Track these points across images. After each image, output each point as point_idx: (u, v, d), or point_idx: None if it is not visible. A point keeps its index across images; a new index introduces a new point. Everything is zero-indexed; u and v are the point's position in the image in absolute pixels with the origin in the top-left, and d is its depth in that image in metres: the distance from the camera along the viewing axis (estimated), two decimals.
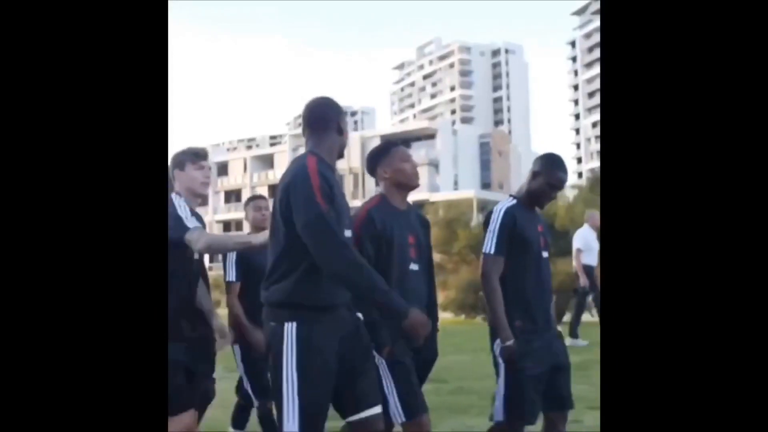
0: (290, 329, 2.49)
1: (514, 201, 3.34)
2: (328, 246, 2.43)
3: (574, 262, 9.46)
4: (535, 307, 3.25)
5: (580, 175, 73.82)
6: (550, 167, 3.32)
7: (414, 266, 3.05)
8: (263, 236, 3.20)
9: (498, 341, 3.18)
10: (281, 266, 2.54)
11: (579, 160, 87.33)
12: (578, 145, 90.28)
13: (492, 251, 3.22)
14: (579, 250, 9.23)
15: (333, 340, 2.53)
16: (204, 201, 3.64)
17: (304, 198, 2.45)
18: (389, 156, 3.16)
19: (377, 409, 2.61)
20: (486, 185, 54.32)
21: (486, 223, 3.32)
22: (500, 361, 3.18)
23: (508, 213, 3.26)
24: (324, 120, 2.69)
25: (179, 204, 3.11)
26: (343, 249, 2.44)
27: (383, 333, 2.84)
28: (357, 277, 2.44)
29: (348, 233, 2.61)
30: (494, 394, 3.24)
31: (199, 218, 3.46)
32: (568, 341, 9.75)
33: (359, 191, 52.46)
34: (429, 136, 54.65)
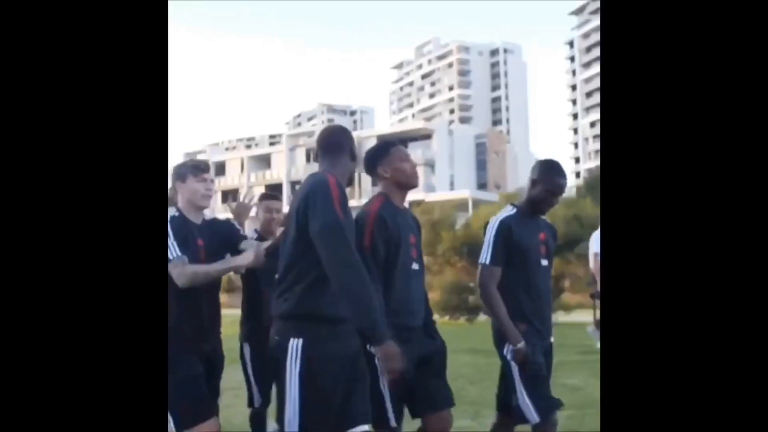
0: (295, 346, 2.52)
1: (513, 210, 3.37)
2: (340, 252, 2.46)
3: (591, 266, 9.40)
4: (531, 315, 3.28)
5: (578, 174, 73.69)
6: (549, 174, 3.34)
7: (415, 266, 3.09)
8: (248, 257, 3.21)
9: (509, 346, 3.21)
10: (289, 275, 2.59)
11: (577, 160, 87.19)
12: (576, 145, 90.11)
13: (488, 261, 3.26)
14: (597, 255, 9.13)
15: (338, 357, 2.56)
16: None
17: (322, 204, 2.52)
18: (388, 156, 3.17)
19: (365, 428, 2.65)
20: (482, 185, 54.33)
21: (485, 233, 3.36)
22: (513, 364, 3.21)
23: (504, 223, 3.30)
24: (339, 145, 2.82)
25: (170, 227, 3.14)
26: (354, 257, 2.48)
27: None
28: (359, 288, 2.45)
29: None
30: (516, 405, 3.25)
31: (210, 226, 3.37)
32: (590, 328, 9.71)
33: (355, 191, 52.46)
34: (425, 136, 54.62)
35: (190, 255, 3.13)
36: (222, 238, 3.37)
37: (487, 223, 3.35)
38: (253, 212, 4.15)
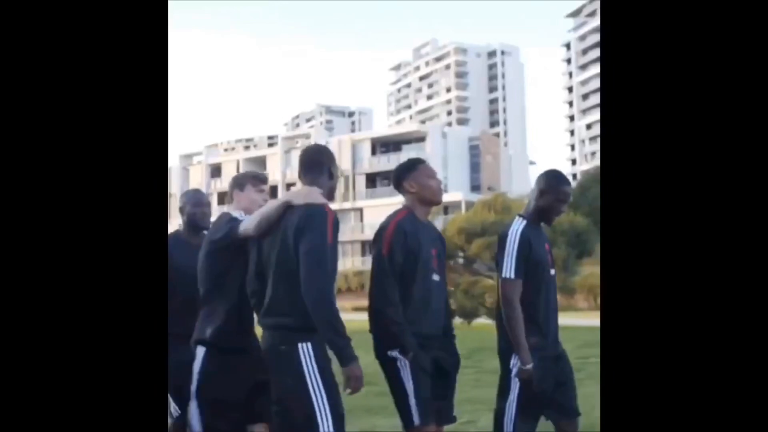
0: (306, 348, 2.76)
1: (524, 221, 3.41)
2: (316, 278, 2.71)
3: None
4: (545, 325, 3.36)
5: (574, 176, 73.85)
6: (556, 183, 3.43)
7: (435, 277, 3.23)
8: (297, 192, 3.06)
9: (516, 362, 3.27)
10: (281, 292, 2.81)
11: (573, 162, 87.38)
12: (572, 147, 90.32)
13: (512, 275, 3.27)
14: None
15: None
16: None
17: (319, 226, 2.78)
18: (416, 171, 3.34)
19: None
20: (476, 188, 54.56)
21: (500, 245, 3.37)
22: (515, 380, 3.28)
23: (524, 235, 3.33)
24: (318, 164, 3.07)
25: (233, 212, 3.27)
26: (326, 286, 2.73)
27: (409, 339, 3.05)
28: (329, 312, 2.71)
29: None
30: (499, 410, 3.35)
31: None
32: None
33: (349, 193, 52.75)
34: (419, 138, 54.90)
35: (242, 260, 3.18)
36: None
37: (503, 237, 3.41)
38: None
